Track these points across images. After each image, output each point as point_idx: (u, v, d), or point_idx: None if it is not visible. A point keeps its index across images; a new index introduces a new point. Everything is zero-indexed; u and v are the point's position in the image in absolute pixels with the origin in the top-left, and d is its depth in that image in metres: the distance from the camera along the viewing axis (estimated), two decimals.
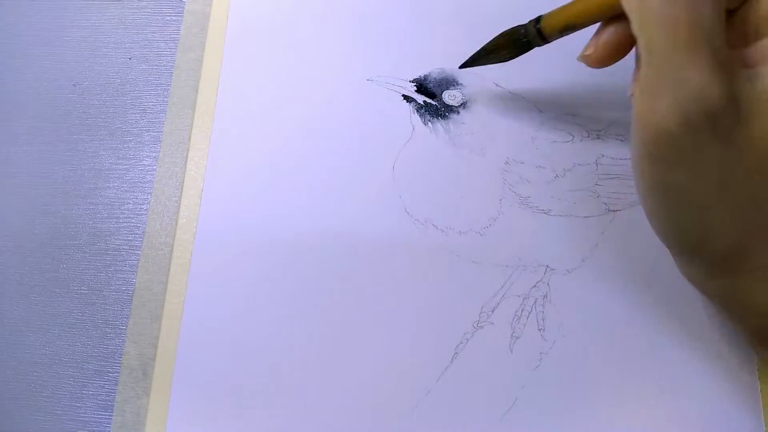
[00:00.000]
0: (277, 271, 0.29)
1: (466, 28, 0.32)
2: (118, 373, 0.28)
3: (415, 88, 0.31)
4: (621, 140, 0.30)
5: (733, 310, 0.24)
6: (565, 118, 0.30)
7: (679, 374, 0.27)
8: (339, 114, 0.31)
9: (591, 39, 0.23)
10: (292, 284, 0.29)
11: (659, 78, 0.19)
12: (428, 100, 0.31)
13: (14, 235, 0.31)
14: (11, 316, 0.30)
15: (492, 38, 0.27)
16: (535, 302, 0.28)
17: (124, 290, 0.30)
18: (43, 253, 0.30)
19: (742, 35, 0.21)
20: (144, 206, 0.31)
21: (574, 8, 0.23)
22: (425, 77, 0.31)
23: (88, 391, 0.28)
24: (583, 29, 0.24)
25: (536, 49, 0.26)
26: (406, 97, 0.31)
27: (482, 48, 0.27)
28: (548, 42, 0.25)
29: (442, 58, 0.31)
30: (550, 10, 0.24)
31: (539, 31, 0.25)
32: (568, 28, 0.24)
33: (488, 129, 0.30)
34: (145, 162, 0.32)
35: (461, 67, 0.29)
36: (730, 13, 0.21)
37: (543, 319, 0.28)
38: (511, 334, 0.27)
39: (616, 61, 0.23)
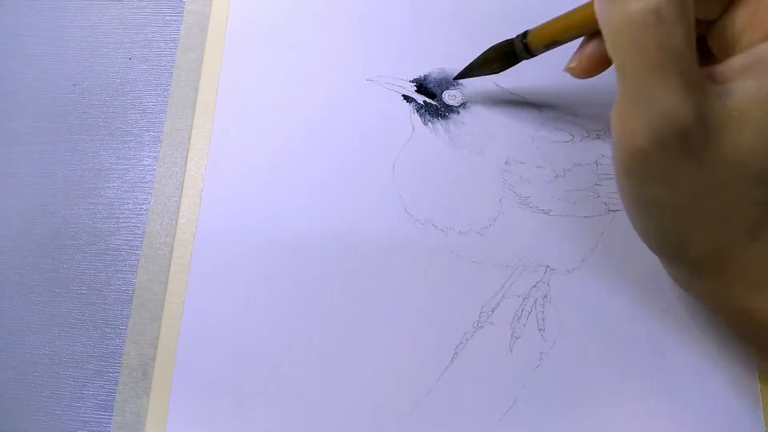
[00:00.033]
0: (277, 271, 0.29)
1: (466, 28, 0.32)
2: (118, 373, 0.28)
3: (415, 88, 0.31)
4: None
5: (717, 310, 0.24)
6: (565, 118, 0.30)
7: (679, 374, 0.27)
8: (339, 114, 0.31)
9: (575, 52, 0.24)
10: (292, 284, 0.29)
11: (632, 99, 0.19)
12: (428, 100, 0.31)
13: (14, 235, 0.31)
14: (11, 316, 0.30)
15: (482, 52, 0.28)
16: (535, 302, 0.28)
17: (124, 290, 0.30)
18: (43, 253, 0.30)
19: (721, 47, 0.22)
20: (144, 206, 0.31)
21: (557, 24, 0.24)
22: (425, 77, 0.31)
23: (88, 391, 0.28)
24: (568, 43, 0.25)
25: None
26: (406, 97, 0.31)
27: (473, 61, 0.29)
28: (534, 56, 0.26)
29: (442, 58, 0.31)
30: (535, 26, 0.26)
31: (526, 46, 0.26)
32: (553, 43, 0.25)
33: (488, 129, 0.30)
34: (145, 162, 0.32)
35: (455, 78, 0.30)
36: (709, 24, 0.22)
37: (543, 319, 0.28)
38: (511, 334, 0.27)
39: (601, 72, 0.24)
